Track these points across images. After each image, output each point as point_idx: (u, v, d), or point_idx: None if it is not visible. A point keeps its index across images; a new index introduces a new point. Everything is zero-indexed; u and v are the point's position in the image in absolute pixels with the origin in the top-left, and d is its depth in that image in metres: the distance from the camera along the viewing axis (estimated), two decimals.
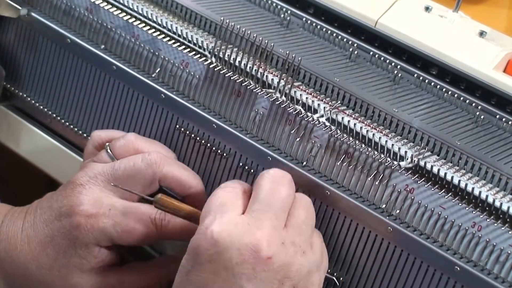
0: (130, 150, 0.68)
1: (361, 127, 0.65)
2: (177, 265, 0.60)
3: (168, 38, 0.73)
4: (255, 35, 0.69)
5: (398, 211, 0.61)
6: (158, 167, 0.66)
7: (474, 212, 0.59)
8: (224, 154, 0.68)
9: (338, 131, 0.65)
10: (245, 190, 0.62)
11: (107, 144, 0.69)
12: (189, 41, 0.72)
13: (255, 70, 0.68)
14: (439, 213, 0.60)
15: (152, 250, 0.76)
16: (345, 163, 0.63)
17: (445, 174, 0.61)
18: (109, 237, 0.65)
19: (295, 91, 0.67)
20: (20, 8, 0.78)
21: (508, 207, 0.59)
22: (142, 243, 0.67)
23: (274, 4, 0.77)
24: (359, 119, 0.66)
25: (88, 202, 0.65)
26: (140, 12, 0.75)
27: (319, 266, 0.61)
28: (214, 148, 0.68)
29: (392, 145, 0.63)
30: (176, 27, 0.73)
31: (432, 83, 0.69)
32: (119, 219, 0.65)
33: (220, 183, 0.67)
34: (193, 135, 0.69)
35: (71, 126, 0.77)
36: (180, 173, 0.67)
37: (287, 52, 0.68)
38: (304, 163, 0.65)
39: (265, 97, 0.67)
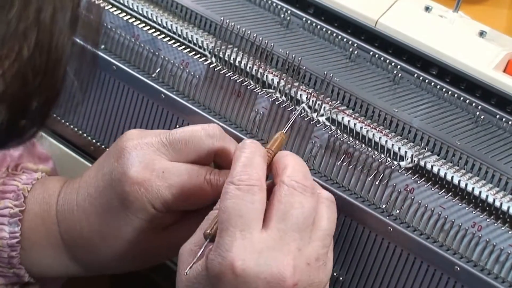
0: None
1: (361, 127, 0.64)
2: None
3: (168, 38, 0.73)
4: (255, 35, 0.69)
5: (398, 211, 0.61)
6: (217, 140, 0.63)
7: (474, 212, 0.59)
8: None
9: (338, 131, 0.65)
10: (262, 187, 0.57)
11: None
12: (189, 41, 0.72)
13: (255, 70, 0.68)
14: (439, 213, 0.60)
15: None
16: (345, 163, 0.63)
17: (445, 174, 0.61)
18: (164, 200, 0.62)
19: (295, 91, 0.67)
20: None
21: (508, 207, 0.59)
22: (197, 205, 0.64)
23: (274, 4, 0.77)
24: (359, 119, 0.66)
25: (139, 165, 0.62)
26: (140, 12, 0.75)
27: (330, 273, 0.59)
28: None
29: (392, 145, 0.63)
30: (176, 27, 0.73)
31: (432, 83, 0.69)
32: (173, 181, 0.62)
33: None
34: None
35: (71, 127, 0.77)
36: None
37: (287, 52, 0.68)
38: (305, 163, 0.65)
39: (265, 97, 0.67)
